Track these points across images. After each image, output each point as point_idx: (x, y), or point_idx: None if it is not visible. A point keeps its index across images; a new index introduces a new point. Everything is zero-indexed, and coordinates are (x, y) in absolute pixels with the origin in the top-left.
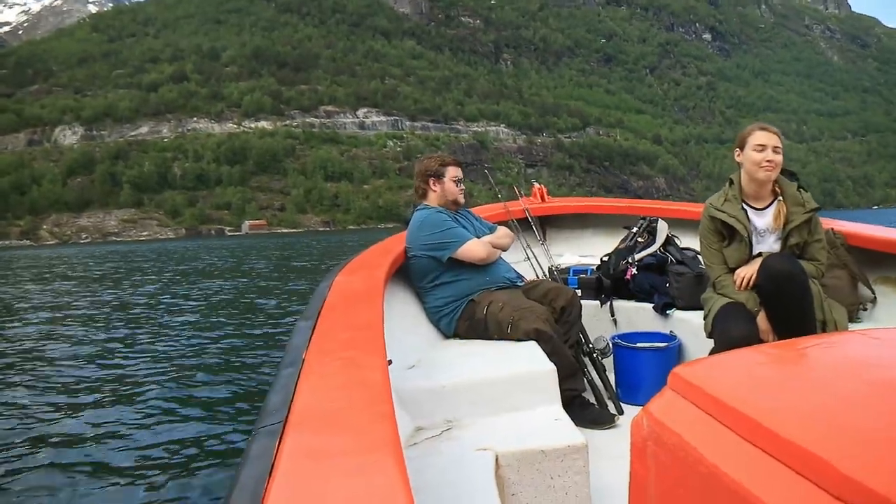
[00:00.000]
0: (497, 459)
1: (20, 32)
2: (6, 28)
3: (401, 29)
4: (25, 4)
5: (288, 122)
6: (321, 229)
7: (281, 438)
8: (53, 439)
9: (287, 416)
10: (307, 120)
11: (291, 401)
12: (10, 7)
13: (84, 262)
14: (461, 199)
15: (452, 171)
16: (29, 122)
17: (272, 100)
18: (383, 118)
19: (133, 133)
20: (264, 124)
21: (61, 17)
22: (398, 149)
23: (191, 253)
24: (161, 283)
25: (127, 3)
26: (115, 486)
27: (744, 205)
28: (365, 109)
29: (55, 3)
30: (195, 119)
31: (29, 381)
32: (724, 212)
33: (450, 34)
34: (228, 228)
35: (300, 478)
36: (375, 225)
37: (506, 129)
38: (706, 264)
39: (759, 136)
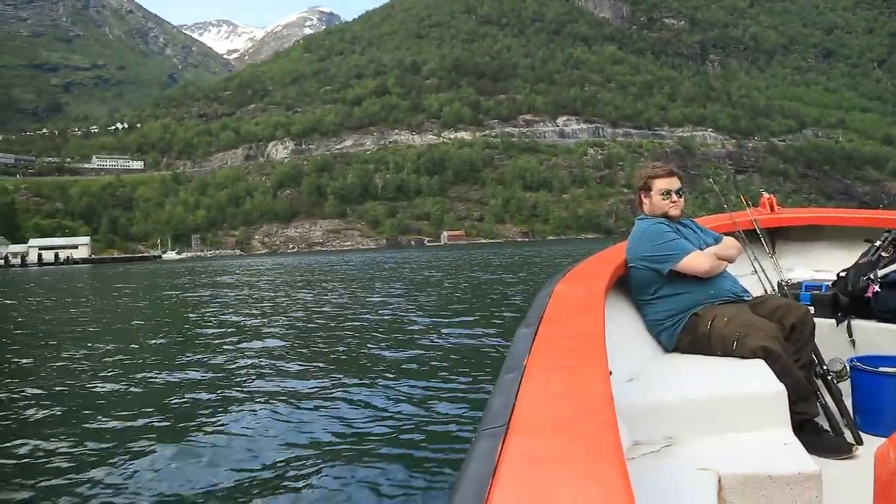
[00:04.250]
0: (720, 481)
1: (246, 58)
2: (235, 54)
3: (601, 34)
4: (251, 32)
5: (486, 132)
6: (519, 239)
7: (504, 441)
8: (275, 416)
9: (510, 420)
10: (506, 129)
11: (514, 405)
12: (239, 35)
13: (314, 270)
14: (672, 212)
15: (660, 184)
16: (245, 138)
17: (471, 110)
18: (583, 126)
19: (338, 146)
20: (463, 135)
21: (281, 41)
22: (599, 157)
23: (396, 264)
24: (379, 290)
25: (337, 24)
26: (340, 480)
27: None
28: (565, 117)
29: (276, 29)
30: (396, 131)
31: (269, 377)
32: None
33: (652, 37)
34: (427, 239)
35: (524, 480)
36: (575, 235)
37: (713, 134)
38: None
39: None
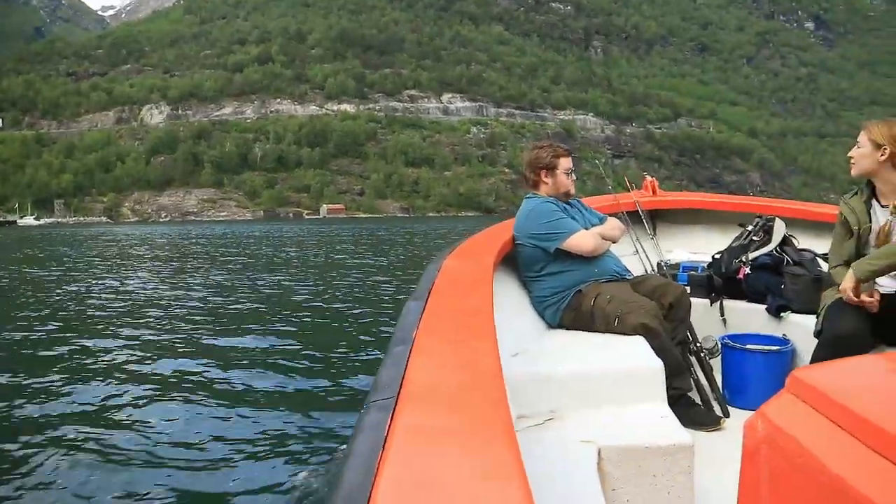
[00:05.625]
0: (600, 453)
1: (122, 15)
2: (111, 11)
3: (489, 14)
4: None
5: (371, 105)
6: (400, 215)
7: (394, 413)
8: (146, 415)
9: (399, 392)
10: (390, 104)
11: (403, 378)
12: None
13: (178, 242)
14: (573, 191)
15: (565, 163)
16: (118, 100)
17: (356, 83)
18: (468, 104)
19: (217, 113)
20: (347, 107)
21: (161, 0)
22: (482, 135)
23: (272, 239)
24: (252, 266)
25: None
26: (222, 462)
27: (875, 201)
28: (449, 95)
29: None
30: (278, 101)
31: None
32: (847, 204)
33: (539, 20)
34: (307, 212)
35: (414, 451)
36: (456, 213)
37: (593, 118)
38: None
39: None
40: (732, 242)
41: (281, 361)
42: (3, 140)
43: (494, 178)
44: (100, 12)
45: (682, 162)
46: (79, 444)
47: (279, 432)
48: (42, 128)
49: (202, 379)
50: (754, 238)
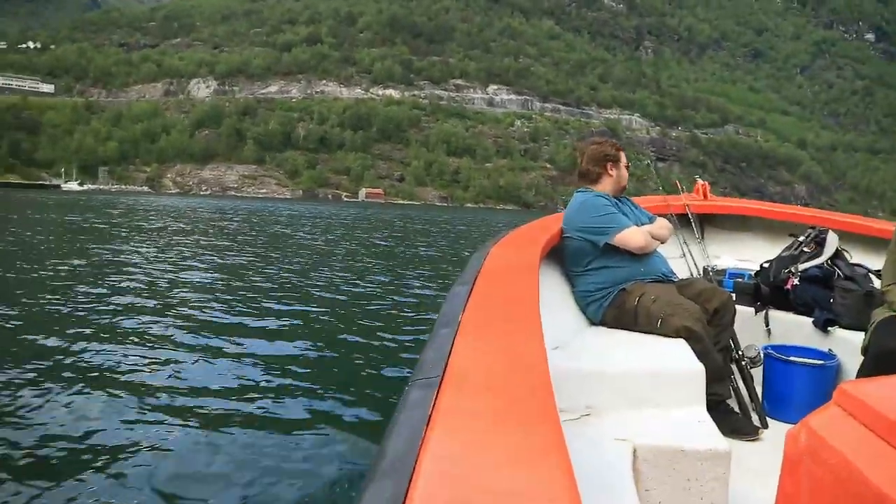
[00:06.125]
0: (635, 451)
1: None
2: None
3: (540, 8)
4: None
5: (416, 92)
6: (438, 204)
7: (438, 392)
8: (192, 395)
9: (444, 373)
10: (435, 92)
11: (448, 359)
12: None
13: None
14: (626, 185)
15: (624, 157)
16: (167, 72)
17: (403, 69)
18: (513, 97)
19: (263, 91)
20: (392, 92)
21: None
22: (525, 129)
23: (310, 218)
24: (289, 244)
25: None
26: (267, 435)
27: None
28: (495, 86)
29: None
30: (324, 82)
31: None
32: None
33: (590, 16)
34: (346, 194)
35: (459, 427)
36: (494, 205)
37: (639, 119)
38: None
39: None
40: (782, 252)
41: (319, 342)
42: (55, 106)
43: (535, 173)
44: None
45: (726, 169)
46: (112, 401)
47: (322, 409)
48: (92, 95)
49: (246, 354)
50: (805, 249)
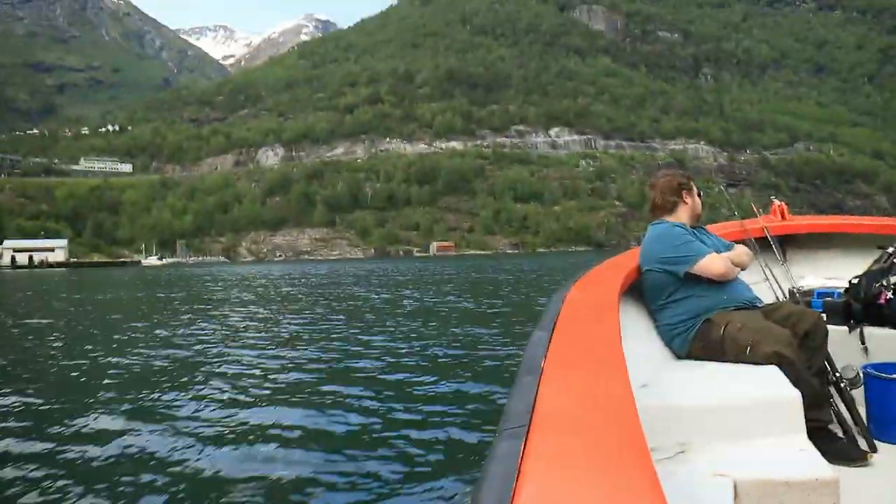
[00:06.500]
0: (735, 487)
1: (242, 63)
2: (231, 60)
3: (595, 46)
4: (248, 38)
5: (478, 142)
6: (509, 251)
7: (526, 441)
8: (288, 442)
9: (531, 420)
10: (498, 140)
11: (533, 406)
12: (236, 41)
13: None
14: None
15: (695, 186)
16: (236, 143)
17: (463, 120)
18: (576, 137)
19: (329, 154)
20: (455, 144)
21: (277, 47)
22: (591, 168)
23: (379, 276)
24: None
25: (332, 32)
26: (361, 480)
27: None
28: (557, 129)
29: (273, 36)
30: (388, 140)
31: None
32: None
33: (646, 50)
34: (416, 249)
35: (550, 476)
36: (566, 248)
37: (705, 147)
38: None
39: None
40: (871, 266)
41: (402, 393)
42: (133, 185)
43: (604, 212)
44: (221, 61)
45: (800, 188)
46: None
47: (410, 466)
48: (167, 172)
49: (328, 404)
50: (895, 261)
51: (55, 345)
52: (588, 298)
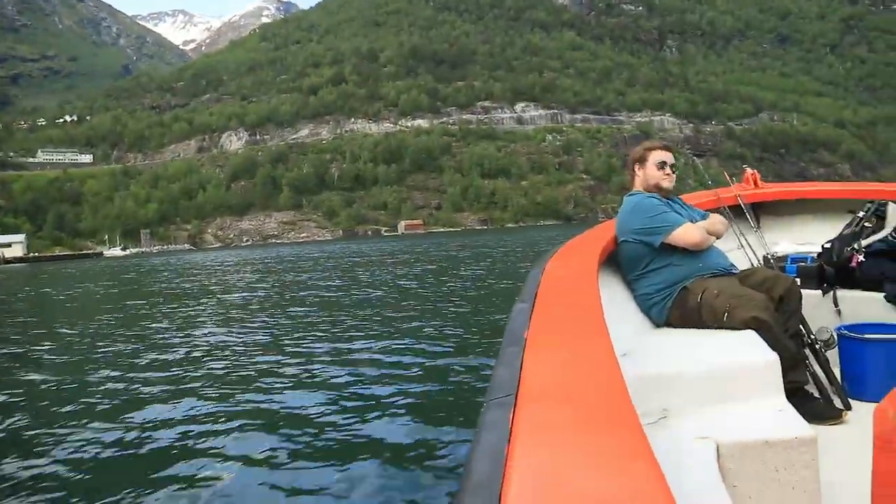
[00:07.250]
0: (718, 449)
1: (203, 48)
2: (192, 45)
3: (559, 21)
4: (208, 23)
5: (444, 119)
6: (478, 227)
7: (514, 409)
8: (281, 418)
9: (517, 389)
10: (464, 117)
11: (520, 375)
12: (196, 25)
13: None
14: (665, 184)
15: (656, 155)
16: (199, 129)
17: (429, 98)
18: (542, 112)
19: (294, 136)
20: (421, 122)
21: (238, 31)
22: (557, 143)
23: (346, 257)
24: (335, 282)
25: (294, 13)
26: (349, 459)
27: None
28: (523, 104)
29: (233, 19)
30: (353, 120)
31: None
32: None
33: (610, 23)
34: (385, 229)
35: (540, 442)
36: (534, 222)
37: (671, 119)
38: None
39: None
40: (843, 230)
41: (385, 370)
42: (94, 175)
43: (572, 185)
44: (181, 46)
45: (765, 157)
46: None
47: (400, 439)
48: (129, 161)
49: (321, 384)
50: (866, 224)
51: None
52: (567, 270)
